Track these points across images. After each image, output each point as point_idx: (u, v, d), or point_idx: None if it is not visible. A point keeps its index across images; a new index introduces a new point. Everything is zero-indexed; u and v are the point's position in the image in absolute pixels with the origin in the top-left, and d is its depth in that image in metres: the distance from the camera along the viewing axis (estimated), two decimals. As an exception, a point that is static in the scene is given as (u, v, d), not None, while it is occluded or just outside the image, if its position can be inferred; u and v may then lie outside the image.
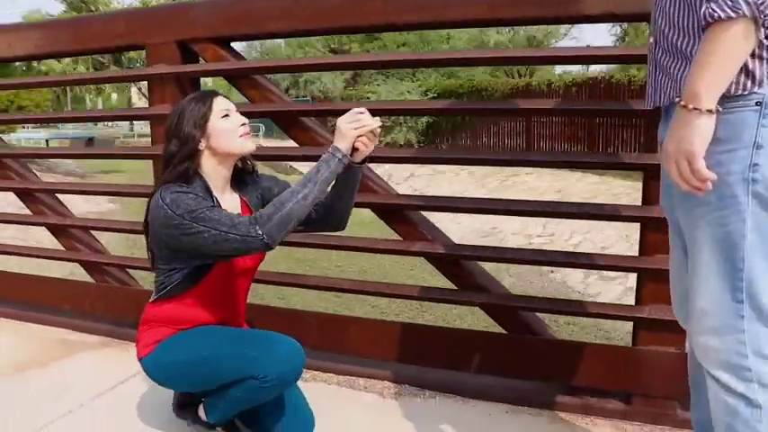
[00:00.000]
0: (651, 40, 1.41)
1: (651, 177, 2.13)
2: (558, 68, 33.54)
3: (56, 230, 3.29)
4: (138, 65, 35.75)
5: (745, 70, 1.19)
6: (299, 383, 2.24)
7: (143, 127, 34.04)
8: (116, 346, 3.06)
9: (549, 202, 2.37)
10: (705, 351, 1.37)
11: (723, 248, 1.28)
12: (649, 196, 2.14)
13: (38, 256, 3.48)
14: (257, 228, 1.69)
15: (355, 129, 1.77)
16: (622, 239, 9.43)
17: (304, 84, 35.17)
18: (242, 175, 2.05)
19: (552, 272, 10.45)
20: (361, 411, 2.37)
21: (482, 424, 2.24)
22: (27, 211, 3.45)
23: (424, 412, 2.34)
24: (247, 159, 2.05)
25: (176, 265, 1.90)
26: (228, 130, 1.88)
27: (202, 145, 1.88)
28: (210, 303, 1.98)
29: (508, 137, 18.95)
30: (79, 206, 14.45)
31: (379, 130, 1.81)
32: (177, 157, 1.85)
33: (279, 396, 2.03)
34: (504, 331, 2.43)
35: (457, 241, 2.46)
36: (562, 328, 6.88)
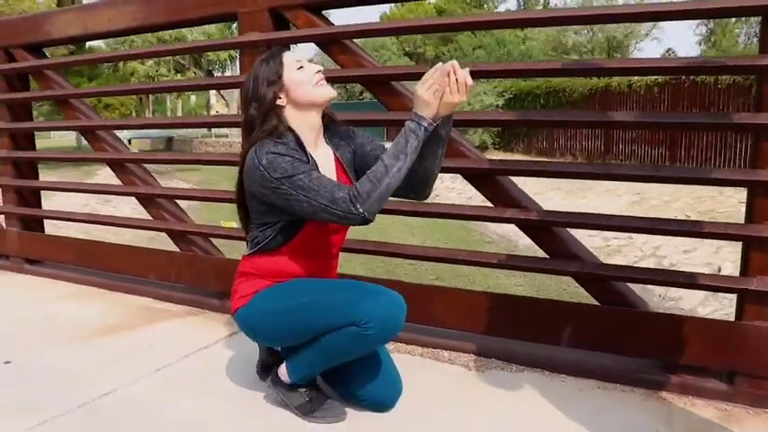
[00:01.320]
0: None
1: (761, 139, 2.00)
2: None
3: (145, 200, 3.37)
4: (216, 66, 36.84)
5: None
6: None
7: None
8: (200, 314, 3.11)
9: (649, 167, 2.25)
10: None
11: None
12: (757, 159, 2.01)
13: (127, 226, 3.57)
14: (358, 206, 1.68)
15: (434, 92, 1.70)
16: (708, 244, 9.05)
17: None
18: (334, 130, 2.03)
19: (609, 255, 10.13)
20: (447, 381, 2.31)
21: (571, 398, 2.16)
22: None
23: (512, 385, 2.27)
24: (333, 115, 2.02)
25: (269, 219, 1.90)
26: (304, 80, 1.87)
27: (283, 101, 1.87)
28: (305, 257, 1.96)
29: (586, 139, 18.54)
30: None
31: (469, 80, 1.69)
32: (259, 119, 1.86)
33: (370, 357, 2.00)
34: (596, 303, 2.33)
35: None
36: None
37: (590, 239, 11.83)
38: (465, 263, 2.37)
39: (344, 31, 2.60)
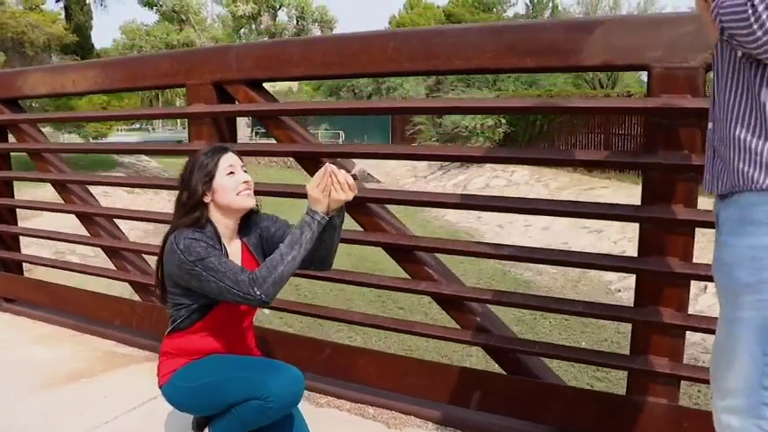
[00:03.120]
0: (710, 125, 1.37)
1: (645, 229, 2.16)
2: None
3: (109, 251, 3.58)
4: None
5: None
6: (309, 407, 2.40)
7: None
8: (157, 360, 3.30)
9: (552, 201, 2.42)
10: (724, 430, 1.33)
11: (761, 332, 1.24)
12: (643, 248, 2.18)
13: (93, 274, 3.78)
14: (256, 289, 1.91)
15: (323, 191, 1.95)
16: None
17: (386, 91, 35.47)
18: (245, 219, 2.23)
19: (620, 291, 10.26)
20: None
21: (478, 459, 2.33)
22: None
23: (424, 444, 2.45)
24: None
25: (184, 301, 2.12)
26: (230, 187, 2.08)
27: (208, 198, 2.09)
28: (218, 334, 2.18)
29: (585, 150, 18.64)
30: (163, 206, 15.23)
31: (350, 180, 1.95)
32: (186, 208, 2.08)
33: (284, 419, 2.20)
34: (503, 372, 2.51)
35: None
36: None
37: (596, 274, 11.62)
38: (381, 328, 2.54)
39: (281, 108, 2.80)
